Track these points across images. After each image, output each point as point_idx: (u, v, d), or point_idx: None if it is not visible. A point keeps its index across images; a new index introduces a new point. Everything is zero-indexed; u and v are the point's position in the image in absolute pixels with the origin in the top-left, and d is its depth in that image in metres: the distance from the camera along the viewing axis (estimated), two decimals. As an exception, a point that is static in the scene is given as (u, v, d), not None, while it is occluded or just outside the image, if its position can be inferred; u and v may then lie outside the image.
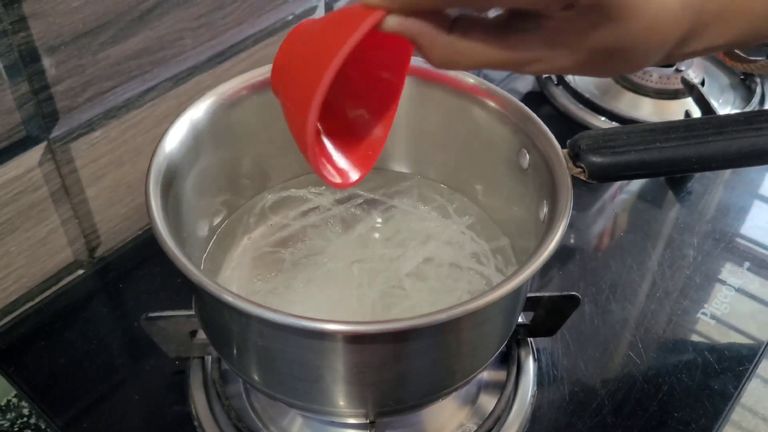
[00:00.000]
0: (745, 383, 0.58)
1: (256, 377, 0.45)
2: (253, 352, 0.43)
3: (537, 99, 0.85)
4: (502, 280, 0.39)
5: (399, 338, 0.39)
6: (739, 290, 0.65)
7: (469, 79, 0.52)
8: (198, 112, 0.49)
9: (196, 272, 0.38)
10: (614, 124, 0.81)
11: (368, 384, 0.42)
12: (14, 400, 0.59)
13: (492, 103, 0.51)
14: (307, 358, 0.40)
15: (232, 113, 0.51)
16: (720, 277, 0.66)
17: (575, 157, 0.46)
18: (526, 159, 0.49)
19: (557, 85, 0.86)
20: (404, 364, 0.41)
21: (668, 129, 0.46)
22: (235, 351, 0.44)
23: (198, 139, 0.49)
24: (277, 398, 0.46)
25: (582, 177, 0.46)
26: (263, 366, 0.44)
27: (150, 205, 0.41)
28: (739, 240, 0.70)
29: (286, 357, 0.41)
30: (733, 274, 0.66)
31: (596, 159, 0.45)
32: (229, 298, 0.37)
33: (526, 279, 0.39)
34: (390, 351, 0.40)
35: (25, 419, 0.58)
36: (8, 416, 0.58)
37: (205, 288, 0.37)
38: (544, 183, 0.47)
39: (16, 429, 0.57)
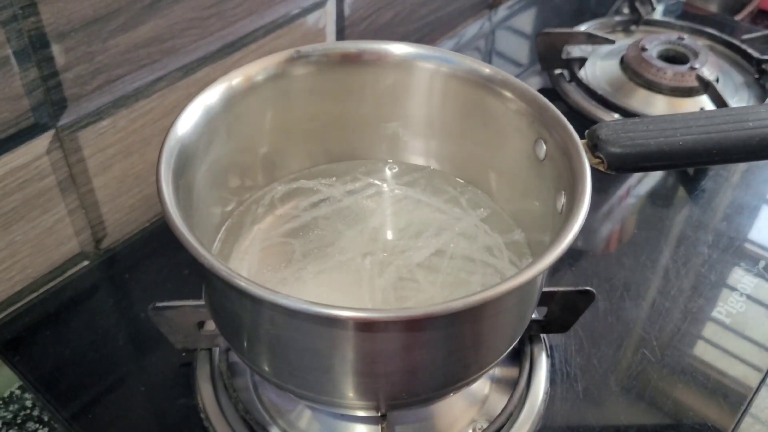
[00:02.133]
0: (760, 385, 0.57)
1: (266, 367, 0.44)
2: (263, 340, 0.42)
3: (549, 95, 0.83)
4: (519, 270, 0.38)
5: (412, 327, 0.38)
6: (755, 289, 0.64)
7: (485, 69, 0.51)
8: (211, 97, 0.48)
9: (207, 256, 0.37)
10: (627, 121, 0.81)
11: (380, 375, 0.41)
12: (17, 392, 0.58)
13: (507, 93, 0.50)
14: (319, 347, 0.39)
15: (246, 100, 0.50)
16: (735, 275, 0.65)
17: (593, 147, 0.46)
18: (542, 149, 0.48)
19: (570, 81, 0.85)
20: (417, 354, 0.40)
21: (689, 119, 0.46)
22: (245, 340, 0.43)
23: (211, 125, 0.48)
24: (287, 389, 0.45)
25: (601, 168, 0.45)
26: (274, 355, 0.43)
27: (161, 188, 0.40)
28: (753, 239, 0.69)
29: (297, 345, 0.40)
30: (748, 272, 0.65)
31: (615, 149, 0.45)
32: (241, 283, 0.36)
33: (546, 268, 0.38)
34: (403, 340, 0.39)
35: (28, 411, 0.57)
36: (11, 408, 0.57)
37: (217, 272, 0.36)
38: (562, 174, 0.46)
39: (19, 421, 0.56)
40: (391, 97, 0.55)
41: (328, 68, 0.53)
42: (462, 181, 0.58)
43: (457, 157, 0.57)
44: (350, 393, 0.42)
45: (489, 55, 0.96)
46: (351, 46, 0.53)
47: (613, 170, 0.45)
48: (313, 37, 0.77)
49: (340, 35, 0.81)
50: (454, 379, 0.44)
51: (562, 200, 0.45)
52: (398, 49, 0.53)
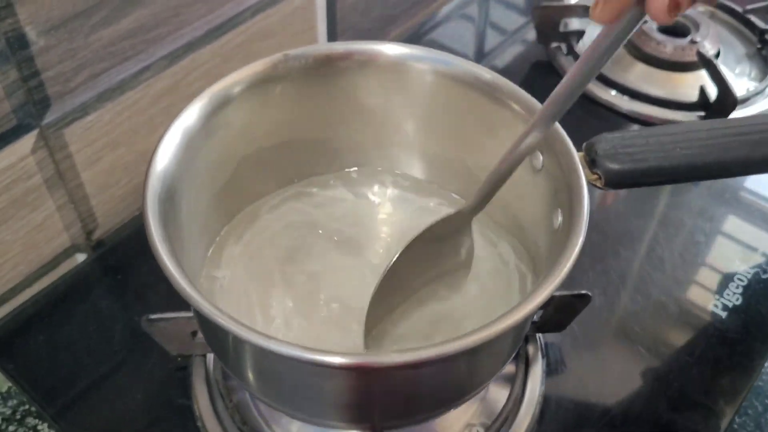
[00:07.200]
0: (756, 380, 0.57)
1: (255, 388, 0.44)
2: (253, 369, 0.42)
3: (545, 69, 0.82)
4: (518, 302, 0.37)
5: (408, 368, 0.38)
6: (753, 281, 0.63)
7: (486, 74, 0.49)
8: (190, 117, 0.46)
9: (197, 298, 0.36)
10: (624, 98, 0.78)
11: (375, 404, 0.41)
12: (15, 387, 0.58)
13: (506, 99, 0.49)
14: (310, 382, 0.39)
15: (231, 110, 0.48)
16: (733, 266, 0.64)
17: (591, 162, 0.44)
18: (539, 160, 0.47)
19: (567, 55, 0.83)
20: (413, 388, 0.40)
21: (689, 132, 0.44)
22: (235, 363, 0.43)
23: (192, 145, 0.46)
24: (278, 409, 0.45)
25: (598, 184, 0.44)
26: (263, 382, 0.42)
27: (148, 223, 0.39)
28: (754, 229, 0.68)
29: (287, 379, 0.40)
30: (746, 263, 0.65)
31: (613, 166, 0.43)
32: (225, 323, 0.35)
33: (543, 301, 0.37)
34: (398, 379, 0.38)
35: (27, 406, 0.57)
36: (9, 404, 0.57)
37: (208, 316, 0.36)
38: (559, 188, 0.44)
39: (18, 417, 0.56)
40: (383, 100, 0.53)
41: (316, 71, 0.51)
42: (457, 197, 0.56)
43: (453, 159, 0.55)
44: (343, 419, 0.42)
45: (484, 22, 0.93)
46: (340, 47, 0.51)
47: (611, 187, 0.44)
48: (303, 13, 0.74)
49: (330, 9, 0.78)
50: (451, 399, 0.44)
51: (559, 218, 0.44)
52: (391, 49, 0.51)
